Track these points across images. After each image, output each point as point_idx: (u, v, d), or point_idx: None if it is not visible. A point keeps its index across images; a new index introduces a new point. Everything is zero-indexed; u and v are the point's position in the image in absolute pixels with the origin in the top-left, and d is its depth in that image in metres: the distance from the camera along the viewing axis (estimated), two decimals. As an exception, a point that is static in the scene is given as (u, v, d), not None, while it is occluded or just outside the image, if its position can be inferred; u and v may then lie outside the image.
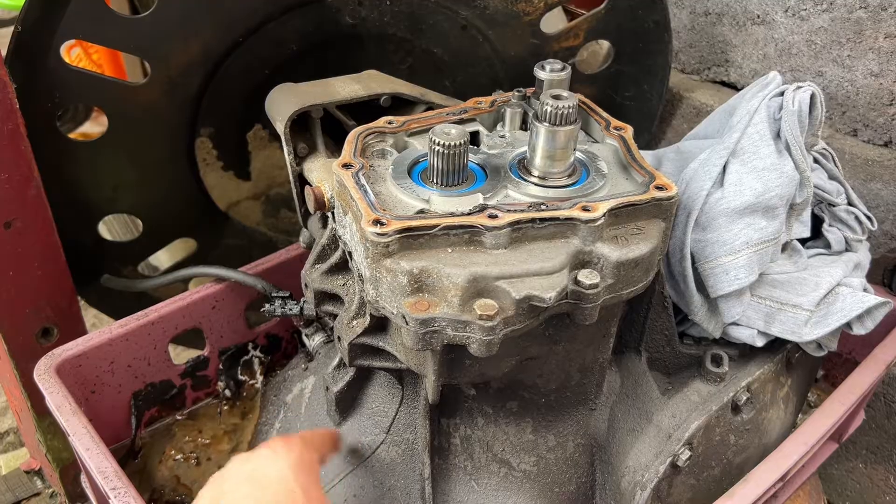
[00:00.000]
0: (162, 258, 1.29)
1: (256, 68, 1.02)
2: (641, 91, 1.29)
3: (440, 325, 0.62)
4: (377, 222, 0.63)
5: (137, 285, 1.06)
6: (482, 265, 0.63)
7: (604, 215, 0.65)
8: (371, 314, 0.70)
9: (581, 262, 0.67)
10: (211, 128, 1.06)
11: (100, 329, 0.92)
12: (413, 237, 0.63)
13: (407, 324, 0.62)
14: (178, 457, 0.98)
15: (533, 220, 0.65)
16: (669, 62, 1.25)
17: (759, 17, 1.25)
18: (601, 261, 0.66)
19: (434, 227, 0.63)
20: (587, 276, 0.64)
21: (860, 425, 1.13)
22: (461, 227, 0.64)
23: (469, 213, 0.65)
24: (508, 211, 0.65)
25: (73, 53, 1.86)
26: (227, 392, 1.05)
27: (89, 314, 1.28)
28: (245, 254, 1.14)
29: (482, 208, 0.66)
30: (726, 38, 1.32)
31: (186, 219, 1.13)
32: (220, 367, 1.04)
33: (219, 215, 1.18)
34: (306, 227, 0.91)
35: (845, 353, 1.11)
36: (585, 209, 0.66)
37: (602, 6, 1.15)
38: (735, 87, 1.36)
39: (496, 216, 0.65)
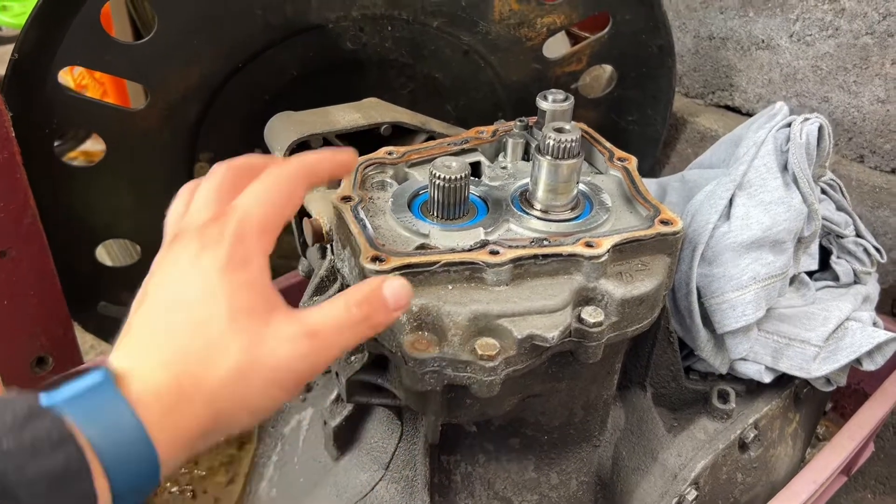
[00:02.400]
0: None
1: (256, 94, 1.01)
2: (645, 115, 1.28)
3: (440, 365, 0.60)
4: (376, 259, 0.62)
5: (134, 313, 1.04)
6: (483, 303, 0.61)
7: (607, 252, 0.64)
8: (370, 351, 0.68)
9: (585, 298, 0.65)
10: (210, 153, 1.05)
11: (93, 359, 0.90)
12: (412, 274, 0.62)
13: (406, 363, 0.61)
14: (174, 489, 0.96)
15: (535, 257, 0.64)
16: (673, 87, 1.24)
17: (763, 41, 1.24)
18: (605, 298, 0.64)
19: (434, 263, 0.62)
20: (591, 314, 0.63)
21: (869, 456, 1.11)
22: (462, 263, 0.63)
23: (470, 250, 0.64)
24: (510, 247, 0.64)
25: (76, 71, 1.86)
26: (224, 422, 1.03)
27: (87, 336, 1.26)
28: (244, 279, 1.12)
29: (483, 244, 0.64)
30: (731, 62, 1.31)
31: (185, 244, 1.12)
32: (217, 396, 1.02)
33: (218, 240, 1.17)
34: (305, 257, 0.89)
35: (854, 383, 1.09)
36: (589, 245, 0.64)
37: (605, 31, 1.14)
38: (740, 112, 1.35)
39: (498, 252, 0.63)
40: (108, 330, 1.11)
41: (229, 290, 0.47)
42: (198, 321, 0.47)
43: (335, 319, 0.50)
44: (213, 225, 0.49)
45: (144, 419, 0.42)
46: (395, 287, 0.52)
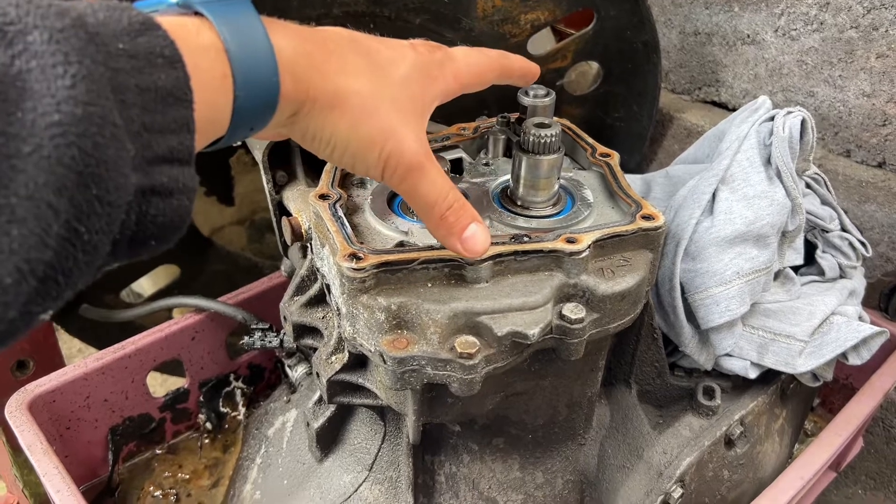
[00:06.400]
0: (145, 284, 1.27)
1: (238, 93, 1.00)
2: (631, 112, 1.28)
3: (419, 364, 0.59)
4: (353, 256, 0.61)
5: (115, 316, 1.03)
6: (463, 300, 0.61)
7: (588, 247, 0.63)
8: (350, 351, 0.68)
9: (566, 295, 0.64)
10: (192, 153, 1.04)
11: (74, 363, 0.89)
12: (391, 272, 0.61)
13: (385, 362, 0.60)
14: (157, 493, 0.95)
15: (515, 253, 0.63)
16: (659, 83, 1.24)
17: (748, 36, 1.24)
18: (587, 294, 0.64)
19: (413, 261, 0.61)
20: (572, 311, 0.62)
21: (859, 451, 1.10)
22: (441, 260, 0.62)
23: (450, 247, 0.63)
24: (490, 244, 0.63)
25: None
26: (209, 425, 1.02)
27: (76, 342, 1.25)
28: (229, 279, 1.11)
29: (463, 241, 0.64)
30: (716, 57, 1.31)
31: (168, 245, 1.11)
32: (201, 399, 1.01)
33: (202, 241, 1.16)
34: (287, 257, 0.89)
35: (842, 378, 1.09)
36: (570, 241, 0.64)
37: (589, 27, 1.14)
38: (726, 107, 1.34)
39: (477, 249, 0.62)
40: (89, 333, 1.10)
41: (411, 74, 0.54)
42: (375, 61, 0.52)
43: (439, 179, 0.54)
44: (431, 46, 0.58)
45: (275, 46, 0.44)
46: (477, 232, 0.58)
